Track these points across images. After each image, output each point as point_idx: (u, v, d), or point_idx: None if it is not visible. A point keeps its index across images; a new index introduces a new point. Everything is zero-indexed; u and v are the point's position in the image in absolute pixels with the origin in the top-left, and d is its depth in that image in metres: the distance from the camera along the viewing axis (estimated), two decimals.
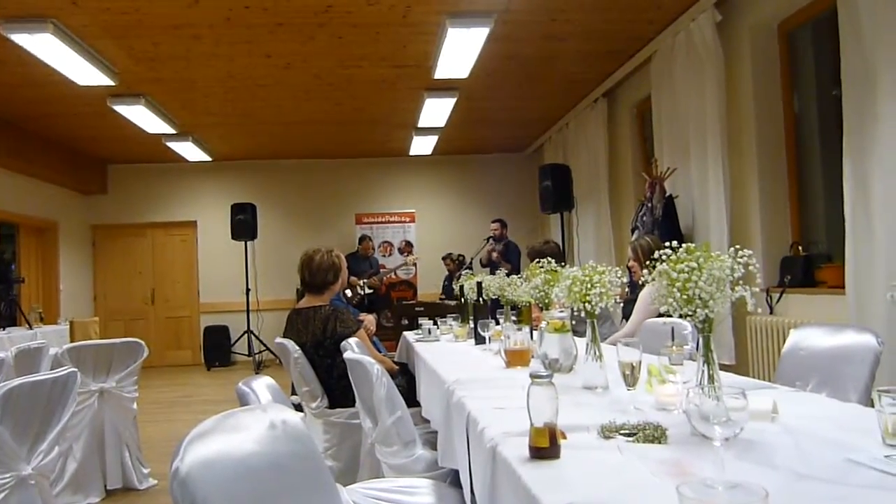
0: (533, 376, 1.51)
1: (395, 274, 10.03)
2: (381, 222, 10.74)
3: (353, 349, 2.92)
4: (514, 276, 3.59)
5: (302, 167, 11.13)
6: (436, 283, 10.06)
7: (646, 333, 3.30)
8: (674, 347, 1.99)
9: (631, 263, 4.42)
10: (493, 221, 8.49)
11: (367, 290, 9.10)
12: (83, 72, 6.22)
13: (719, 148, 5.29)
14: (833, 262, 4.74)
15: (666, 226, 5.59)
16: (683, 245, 1.68)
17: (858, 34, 3.88)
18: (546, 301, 2.72)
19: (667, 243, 1.74)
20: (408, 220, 10.62)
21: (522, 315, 3.34)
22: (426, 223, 10.92)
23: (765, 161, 5.23)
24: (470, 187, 11.06)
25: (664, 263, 1.64)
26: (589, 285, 2.07)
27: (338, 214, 10.94)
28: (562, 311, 2.41)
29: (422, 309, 6.42)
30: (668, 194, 5.76)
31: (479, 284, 3.83)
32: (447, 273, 9.29)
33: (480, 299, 3.78)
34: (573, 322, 2.45)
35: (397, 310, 7.35)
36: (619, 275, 2.10)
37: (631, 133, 7.46)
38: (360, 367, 2.56)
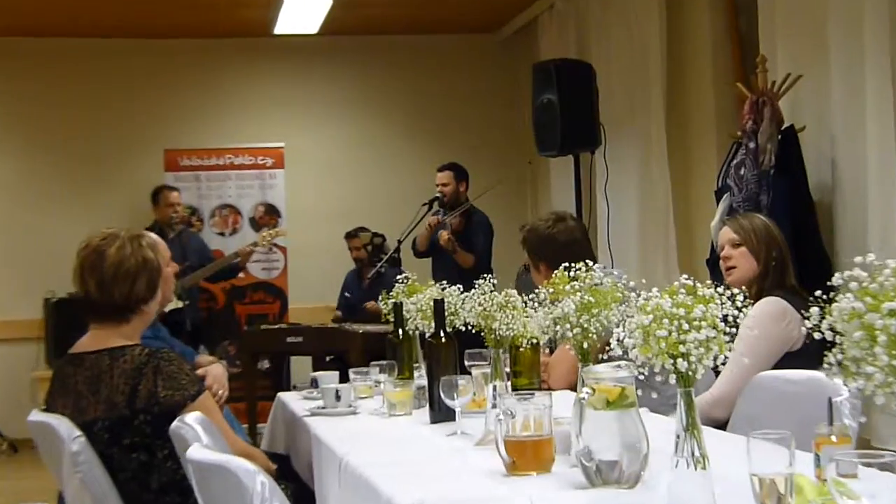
0: None
1: (243, 267, 6.39)
2: (218, 168, 6.79)
3: (200, 438, 2.19)
4: (508, 292, 2.45)
5: (59, 53, 6.67)
6: (326, 288, 6.55)
7: (758, 396, 2.44)
8: (833, 435, 1.61)
9: (732, 261, 3.03)
10: (441, 170, 5.74)
11: (177, 304, 5.94)
12: None
13: (889, 39, 3.85)
14: None
15: (784, 186, 4.07)
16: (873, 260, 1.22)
17: None
18: (583, 343, 1.98)
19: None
20: (270, 163, 6.88)
21: (520, 362, 2.48)
22: (306, 171, 6.90)
23: None
24: (393, 101, 7.07)
25: (850, 297, 1.22)
26: (685, 324, 1.44)
27: (132, 152, 6.75)
28: (622, 368, 1.71)
29: (299, 340, 5.03)
30: (785, 125, 4.18)
31: (440, 305, 2.73)
32: (354, 268, 6.13)
33: (441, 333, 2.66)
34: (638, 392, 1.78)
35: (248, 340, 5.42)
36: (742, 301, 1.47)
37: (711, 13, 5.49)
38: (223, 478, 1.92)
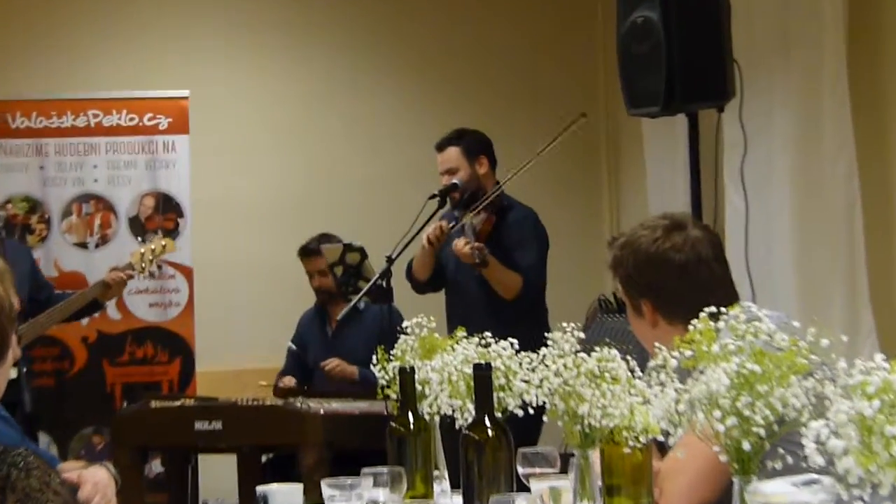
0: None
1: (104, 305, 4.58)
2: (77, 132, 5.10)
3: None
4: (605, 352, 1.88)
5: None
6: (260, 338, 4.96)
7: None
8: None
9: None
10: (441, 147, 4.18)
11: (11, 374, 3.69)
12: None
13: None
14: None
15: None
16: None
17: None
18: (742, 443, 1.61)
19: None
20: (165, 125, 5.18)
21: (618, 471, 1.93)
22: (225, 139, 5.28)
23: None
24: (370, 22, 5.31)
25: None
26: None
27: None
28: (818, 486, 1.40)
29: (215, 426, 3.85)
30: None
31: (485, 374, 2.14)
32: (313, 307, 4.52)
33: (487, 421, 2.07)
34: None
35: (127, 427, 4.14)
36: None
37: None
38: None
